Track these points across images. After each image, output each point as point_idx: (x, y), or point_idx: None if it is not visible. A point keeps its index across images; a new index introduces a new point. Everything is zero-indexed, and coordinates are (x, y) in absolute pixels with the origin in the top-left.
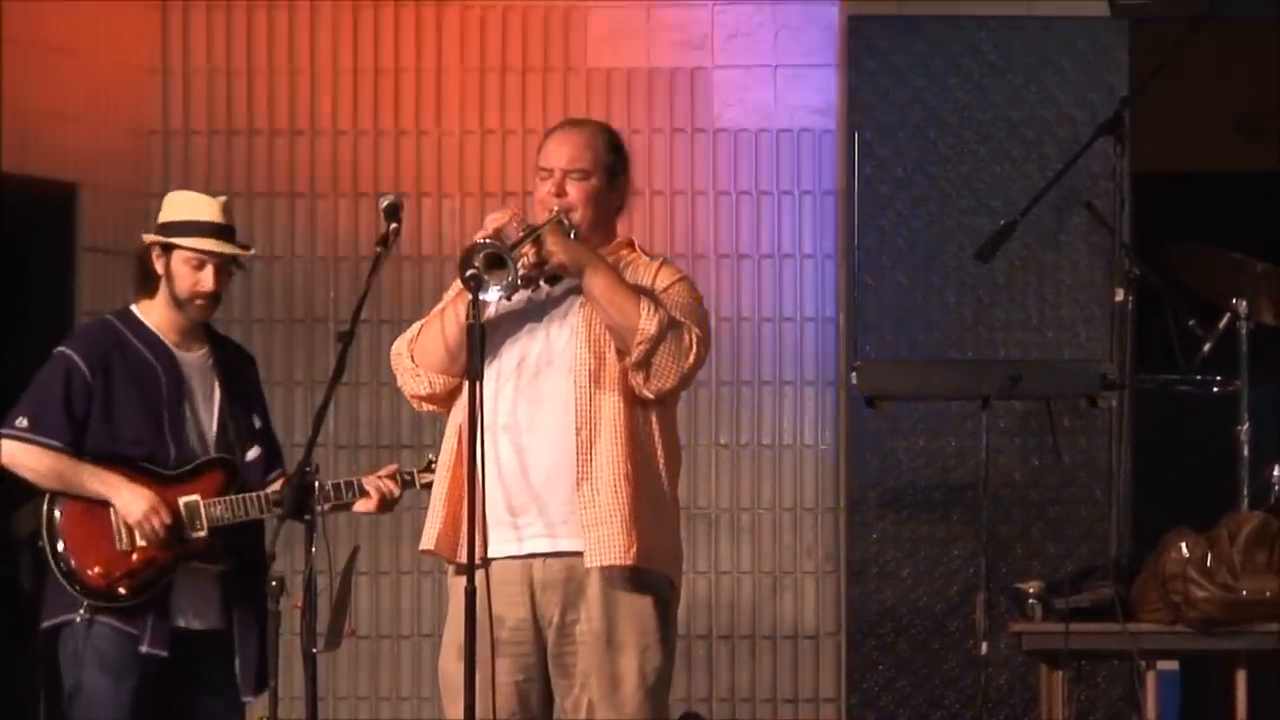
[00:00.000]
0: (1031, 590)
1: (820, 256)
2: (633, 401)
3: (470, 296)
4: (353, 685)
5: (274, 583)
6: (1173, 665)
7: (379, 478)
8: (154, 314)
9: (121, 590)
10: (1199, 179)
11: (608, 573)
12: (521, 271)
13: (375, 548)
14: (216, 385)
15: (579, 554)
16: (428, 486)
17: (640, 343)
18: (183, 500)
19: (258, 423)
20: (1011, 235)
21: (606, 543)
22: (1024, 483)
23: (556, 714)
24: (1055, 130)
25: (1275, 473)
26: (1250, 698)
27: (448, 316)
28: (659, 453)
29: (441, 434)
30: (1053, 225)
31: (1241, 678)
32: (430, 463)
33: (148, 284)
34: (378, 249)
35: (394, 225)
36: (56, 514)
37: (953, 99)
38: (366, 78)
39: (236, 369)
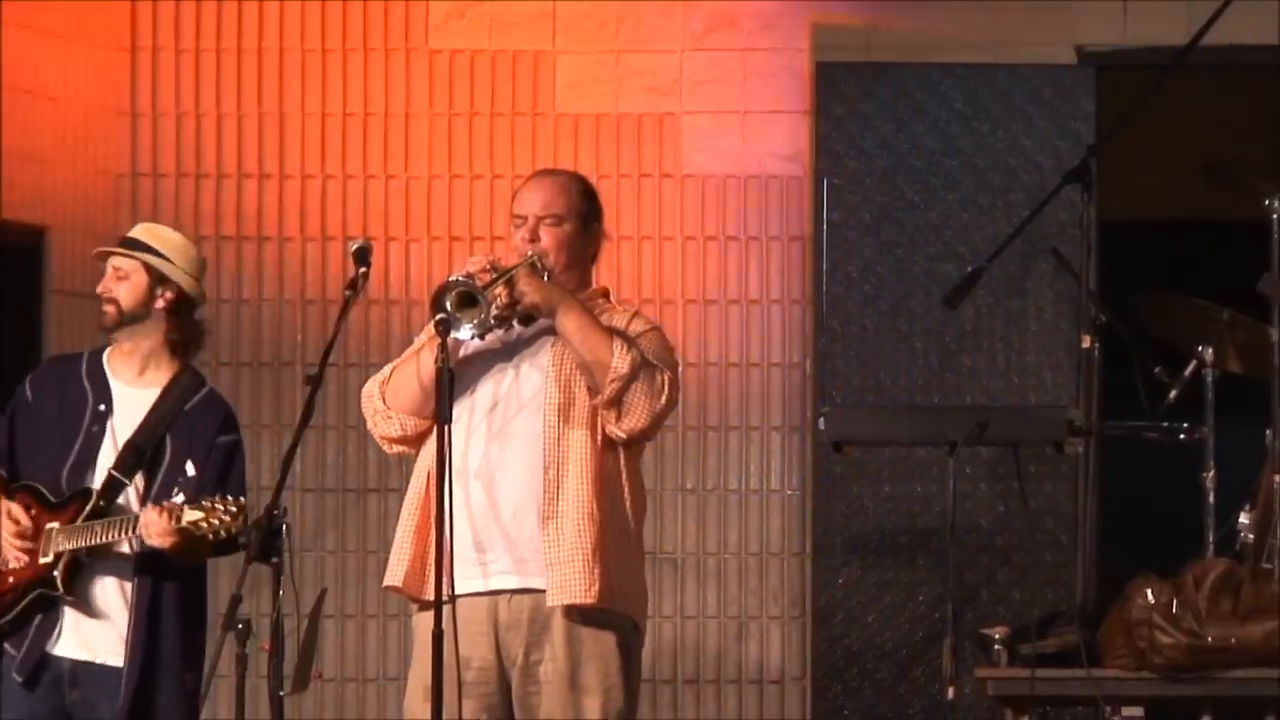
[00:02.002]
0: (997, 636)
1: (787, 302)
2: (601, 443)
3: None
4: None
5: (240, 625)
6: (1138, 711)
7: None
8: (114, 352)
9: None
10: (1165, 227)
11: (571, 613)
12: (495, 311)
13: (342, 591)
14: (141, 421)
15: (544, 591)
16: (194, 523)
17: (612, 380)
18: (47, 526)
19: (191, 471)
20: (979, 282)
21: (568, 582)
22: (990, 528)
23: None
24: (1022, 177)
25: (1241, 519)
26: None
27: (422, 358)
28: (625, 495)
29: (408, 477)
30: (1019, 272)
31: None
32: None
33: None
34: (346, 293)
35: (363, 269)
36: None
37: (920, 146)
38: (335, 122)
39: (192, 413)
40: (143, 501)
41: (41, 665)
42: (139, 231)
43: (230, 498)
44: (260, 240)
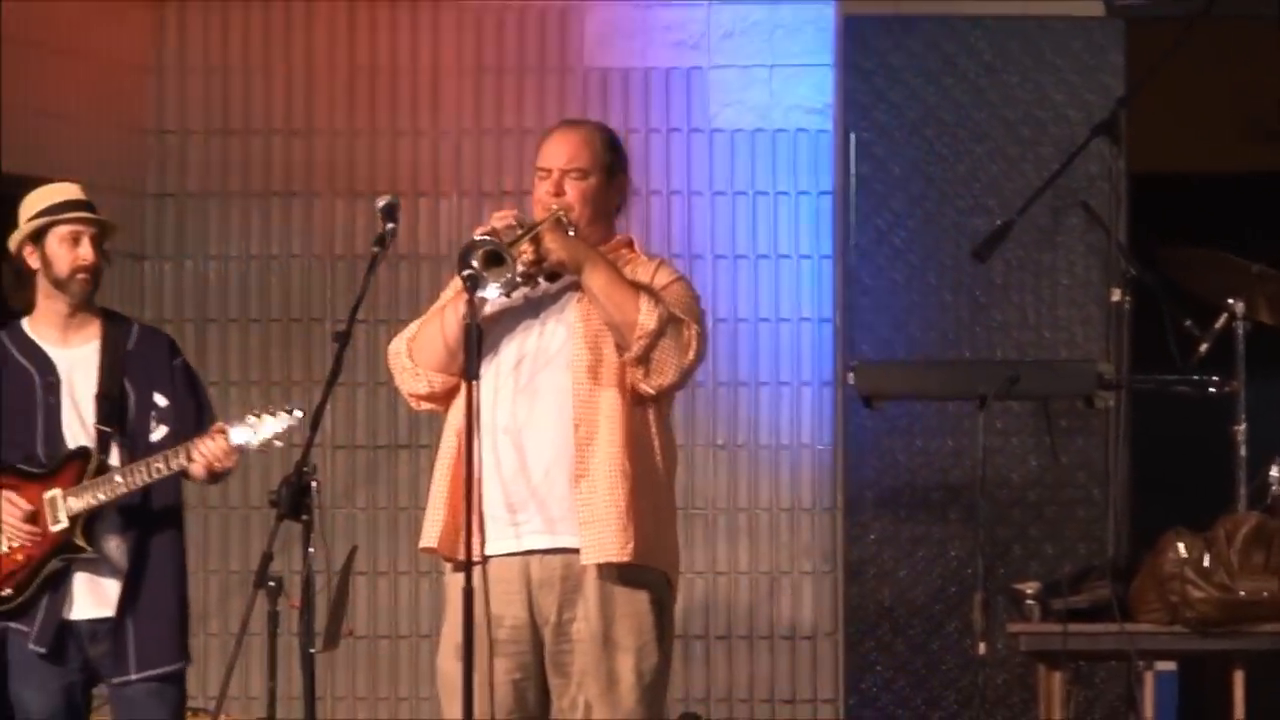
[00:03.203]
0: (1029, 591)
1: (817, 257)
2: (630, 399)
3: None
4: (351, 685)
5: (272, 583)
6: (1170, 666)
7: (203, 440)
8: (37, 320)
9: (7, 591)
10: (1195, 180)
11: (605, 571)
12: (520, 269)
13: (373, 547)
14: (96, 372)
15: (577, 550)
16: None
17: (640, 337)
18: (45, 496)
19: (163, 401)
20: (1008, 235)
21: (603, 540)
22: (1021, 483)
23: (553, 713)
24: (1051, 130)
25: (1273, 473)
26: (1248, 698)
27: (447, 315)
28: (656, 450)
29: (438, 433)
30: (1049, 225)
31: (1239, 678)
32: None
33: (22, 289)
34: (374, 249)
35: (391, 225)
36: None
37: (949, 99)
38: (363, 77)
39: (136, 350)
40: (122, 449)
41: (61, 634)
42: (75, 192)
43: (280, 410)
44: (288, 196)
